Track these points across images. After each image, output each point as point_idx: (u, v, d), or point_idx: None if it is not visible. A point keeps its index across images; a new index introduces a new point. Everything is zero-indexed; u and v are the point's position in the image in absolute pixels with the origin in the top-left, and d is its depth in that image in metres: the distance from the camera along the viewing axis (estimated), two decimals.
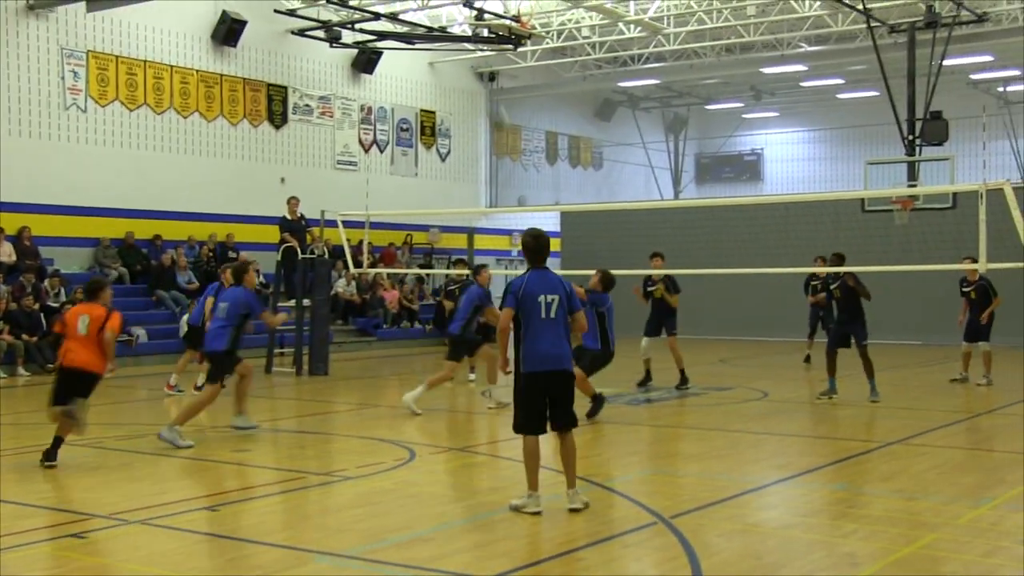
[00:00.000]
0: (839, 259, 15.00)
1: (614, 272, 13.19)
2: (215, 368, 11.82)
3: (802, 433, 12.48)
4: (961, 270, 17.11)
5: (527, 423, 8.10)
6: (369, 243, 22.19)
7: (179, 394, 15.57)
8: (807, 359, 20.43)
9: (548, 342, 8.04)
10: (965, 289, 17.20)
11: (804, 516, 8.27)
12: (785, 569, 6.77)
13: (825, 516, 8.07)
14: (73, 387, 10.13)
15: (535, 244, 8.26)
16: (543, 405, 8.09)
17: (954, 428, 12.83)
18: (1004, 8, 26.56)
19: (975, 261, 16.42)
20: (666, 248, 25.42)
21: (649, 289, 16.49)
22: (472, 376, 17.16)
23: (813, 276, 19.70)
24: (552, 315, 8.05)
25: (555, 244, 31.36)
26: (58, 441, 10.03)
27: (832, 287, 15.12)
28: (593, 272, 13.27)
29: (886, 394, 15.02)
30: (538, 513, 7.90)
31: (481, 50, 29.06)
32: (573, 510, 7.98)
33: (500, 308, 8.29)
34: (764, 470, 10.25)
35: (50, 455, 9.93)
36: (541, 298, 8.04)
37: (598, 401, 12.83)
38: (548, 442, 8.42)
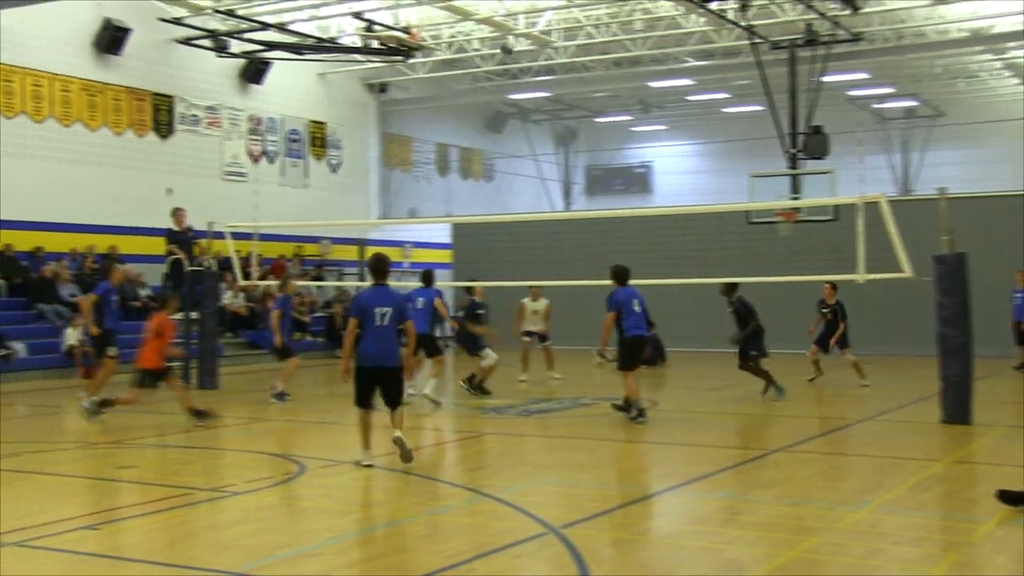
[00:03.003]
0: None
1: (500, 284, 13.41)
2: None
3: (689, 442, 12.67)
4: (838, 281, 17.70)
5: (360, 400, 10.41)
6: (258, 255, 21.84)
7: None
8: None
9: (380, 343, 10.31)
10: (824, 310, 18.26)
11: (691, 524, 8.40)
12: None
13: (711, 523, 8.21)
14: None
15: (376, 265, 10.63)
16: (371, 389, 10.39)
17: (834, 435, 13.17)
18: (877, 28, 27.47)
19: (835, 287, 17.71)
20: (556, 260, 25.72)
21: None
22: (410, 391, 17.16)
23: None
24: (385, 323, 10.29)
25: (446, 256, 31.40)
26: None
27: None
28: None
29: (767, 402, 15.39)
30: (371, 466, 10.14)
31: (371, 61, 28.91)
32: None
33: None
34: (651, 479, 10.39)
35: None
36: (377, 310, 10.28)
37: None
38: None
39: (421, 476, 10.43)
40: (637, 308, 13.52)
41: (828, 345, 18.02)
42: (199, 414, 13.70)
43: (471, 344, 16.86)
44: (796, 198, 22.33)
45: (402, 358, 10.59)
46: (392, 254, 12.03)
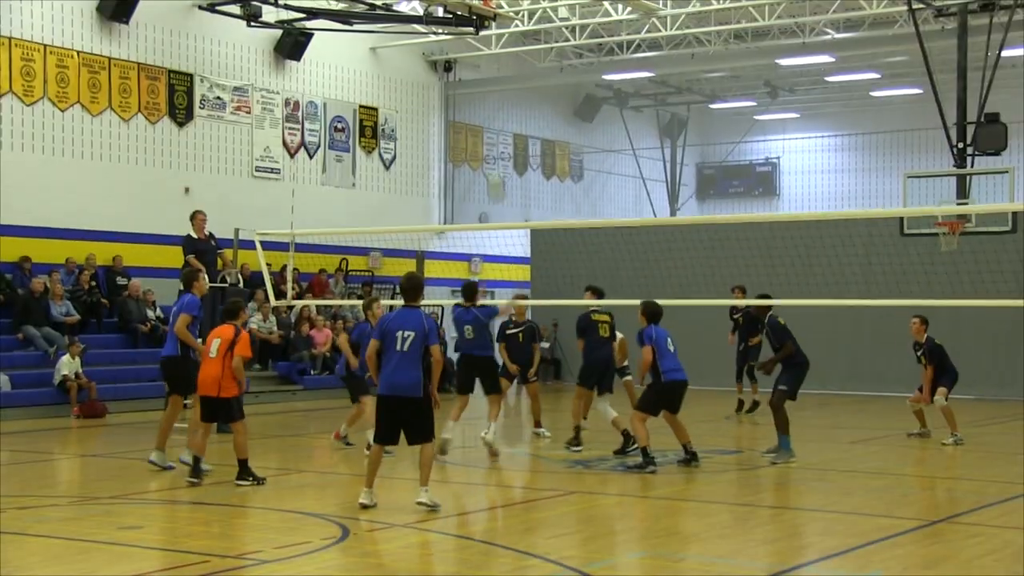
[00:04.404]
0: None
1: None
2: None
3: (825, 508, 12.48)
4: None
5: (378, 434, 11.62)
6: (295, 269, 22.08)
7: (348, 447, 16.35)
8: (739, 406, 21.75)
9: (399, 370, 11.30)
10: (917, 352, 17.87)
11: None
12: None
13: None
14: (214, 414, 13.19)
15: (407, 285, 11.81)
16: (393, 423, 11.41)
17: (1013, 504, 12.86)
18: None
19: (924, 321, 17.52)
20: (659, 275, 25.49)
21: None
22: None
23: (734, 309, 21.59)
24: (406, 348, 11.26)
25: (524, 271, 31.42)
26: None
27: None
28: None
29: (928, 460, 15.05)
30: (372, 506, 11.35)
31: (435, 33, 29.14)
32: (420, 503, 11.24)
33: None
34: (779, 553, 10.23)
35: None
36: (399, 333, 11.27)
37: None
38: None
39: (491, 544, 10.40)
40: (671, 347, 14.61)
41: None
42: (250, 475, 13.09)
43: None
44: (964, 204, 21.95)
45: (427, 388, 11.48)
46: (458, 269, 12.13)
